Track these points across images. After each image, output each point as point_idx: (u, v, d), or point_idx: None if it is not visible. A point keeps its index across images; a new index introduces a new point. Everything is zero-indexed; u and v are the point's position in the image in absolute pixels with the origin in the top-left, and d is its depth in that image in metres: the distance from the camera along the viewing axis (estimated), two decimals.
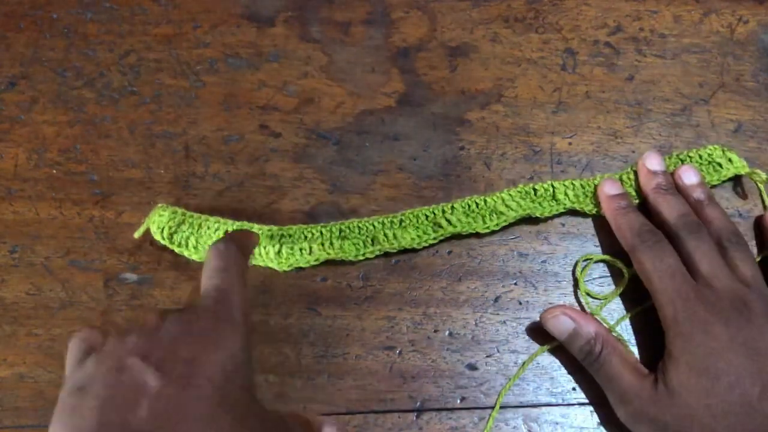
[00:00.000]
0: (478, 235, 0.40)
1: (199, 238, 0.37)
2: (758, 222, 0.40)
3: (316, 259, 0.38)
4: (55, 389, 0.36)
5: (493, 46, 0.44)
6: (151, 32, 0.43)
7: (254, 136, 0.41)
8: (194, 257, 0.38)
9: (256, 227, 0.38)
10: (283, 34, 0.43)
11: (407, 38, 0.44)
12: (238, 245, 0.32)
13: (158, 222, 0.37)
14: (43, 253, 0.38)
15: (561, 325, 0.36)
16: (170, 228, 0.37)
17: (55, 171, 0.40)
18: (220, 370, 0.26)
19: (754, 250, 0.39)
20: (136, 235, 0.38)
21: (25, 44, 0.42)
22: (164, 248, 0.38)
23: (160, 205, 0.38)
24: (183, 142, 0.41)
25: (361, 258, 0.38)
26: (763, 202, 0.41)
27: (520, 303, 0.39)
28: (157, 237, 0.37)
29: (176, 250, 0.38)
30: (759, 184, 0.40)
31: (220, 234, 0.37)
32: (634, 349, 0.38)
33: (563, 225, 0.40)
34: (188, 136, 0.41)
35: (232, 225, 0.38)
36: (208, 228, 0.38)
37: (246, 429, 0.26)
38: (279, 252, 0.38)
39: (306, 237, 0.38)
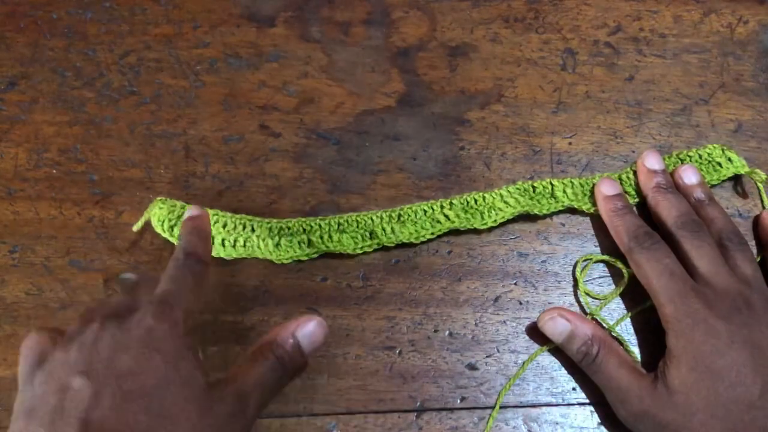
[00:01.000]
0: (478, 234, 0.40)
1: None
2: (757, 221, 0.40)
3: (315, 252, 0.38)
4: None
5: (493, 46, 0.44)
6: (151, 32, 0.43)
7: (254, 136, 0.41)
8: None
9: (255, 221, 0.38)
10: (283, 34, 0.43)
11: (407, 38, 0.44)
12: (196, 254, 0.33)
13: (158, 215, 0.38)
14: (43, 253, 0.38)
15: (557, 327, 0.36)
16: (170, 221, 0.37)
17: (55, 171, 0.40)
18: (153, 379, 0.28)
19: (754, 250, 0.39)
20: (135, 228, 0.38)
21: (25, 44, 0.42)
22: (164, 248, 0.38)
23: (159, 198, 0.38)
24: (183, 142, 0.41)
25: (359, 251, 0.38)
26: (762, 201, 0.41)
27: (520, 303, 0.39)
28: (158, 229, 0.38)
29: (176, 243, 0.38)
30: (758, 184, 0.40)
31: (219, 227, 0.38)
32: (635, 349, 0.38)
33: (563, 225, 0.40)
34: (188, 136, 0.41)
35: (231, 218, 0.38)
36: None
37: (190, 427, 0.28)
38: (278, 245, 0.38)
39: (305, 230, 0.38)
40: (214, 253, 0.38)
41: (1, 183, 0.39)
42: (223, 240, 0.38)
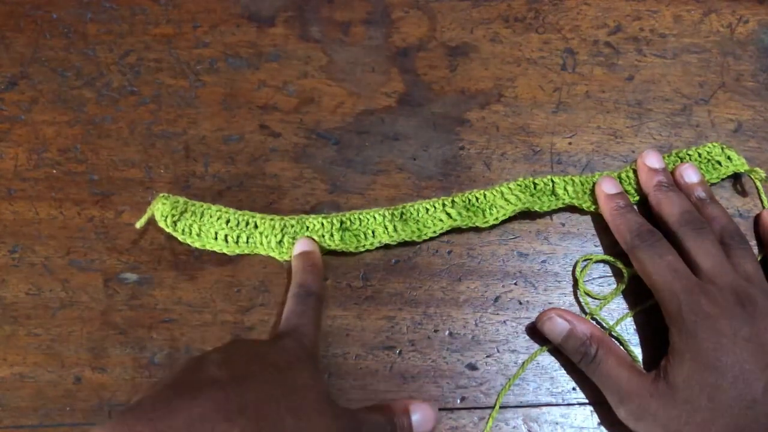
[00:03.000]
0: (478, 234, 0.40)
1: (202, 226, 0.38)
2: (758, 220, 0.40)
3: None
4: (55, 389, 0.36)
5: (493, 46, 0.44)
6: (151, 32, 0.43)
7: (254, 136, 0.41)
8: (197, 245, 0.38)
9: (257, 217, 0.38)
10: (283, 34, 0.43)
11: (407, 38, 0.44)
12: (315, 295, 0.36)
13: (162, 210, 0.38)
14: (43, 253, 0.38)
15: (556, 327, 0.36)
16: (173, 216, 0.38)
17: (55, 171, 0.40)
18: (284, 360, 0.31)
19: (755, 250, 0.39)
20: (139, 224, 0.38)
21: (25, 44, 0.42)
22: (164, 248, 0.38)
23: (162, 194, 0.38)
24: (183, 142, 0.41)
25: (361, 250, 0.38)
26: (761, 200, 0.41)
27: (520, 303, 0.39)
28: (161, 224, 0.38)
29: (179, 237, 0.38)
30: (758, 182, 0.40)
31: (222, 223, 0.38)
32: (635, 349, 0.38)
33: (563, 225, 0.40)
34: (188, 136, 0.41)
35: (233, 214, 0.38)
36: (211, 216, 0.38)
37: (318, 407, 0.30)
38: (280, 242, 0.38)
39: (307, 228, 0.38)
40: (216, 249, 0.38)
41: (1, 183, 0.39)
42: (225, 236, 0.38)
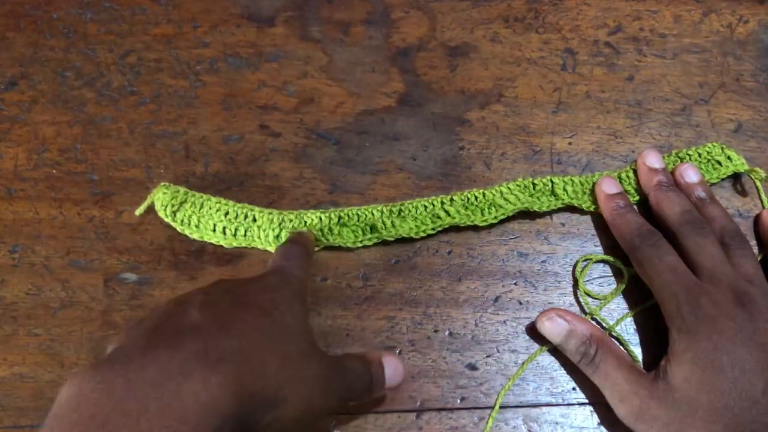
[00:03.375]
0: (478, 234, 0.40)
1: (201, 218, 0.38)
2: (758, 220, 0.40)
3: (314, 246, 0.38)
4: (55, 389, 0.36)
5: (493, 46, 0.44)
6: (151, 32, 0.43)
7: (254, 136, 0.41)
8: (195, 236, 0.38)
9: (256, 210, 0.38)
10: (283, 34, 0.43)
11: (407, 38, 0.44)
12: (301, 245, 0.36)
13: (162, 199, 0.38)
14: (43, 253, 0.38)
15: (555, 328, 0.36)
16: (173, 206, 0.38)
17: (55, 171, 0.40)
18: (270, 301, 0.30)
19: (755, 250, 0.39)
20: (138, 212, 0.38)
21: (25, 44, 0.42)
22: (164, 248, 0.38)
23: (162, 184, 0.38)
24: (183, 142, 0.41)
25: (359, 245, 0.38)
26: (761, 199, 0.41)
27: (520, 303, 0.39)
28: (161, 214, 0.38)
29: (178, 228, 0.38)
30: (757, 182, 0.40)
31: (221, 215, 0.38)
32: (635, 349, 0.38)
33: (563, 225, 0.40)
34: (188, 136, 0.41)
35: (233, 206, 0.38)
36: (210, 208, 0.38)
37: (303, 352, 0.29)
38: (278, 236, 0.38)
39: (305, 222, 0.38)
40: (213, 241, 0.38)
41: (1, 183, 0.39)
42: (224, 228, 0.38)
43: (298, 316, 0.31)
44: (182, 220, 0.38)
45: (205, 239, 0.38)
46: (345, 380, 0.31)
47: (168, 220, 0.38)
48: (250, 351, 0.27)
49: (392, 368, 0.34)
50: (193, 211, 0.38)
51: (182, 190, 0.38)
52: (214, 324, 0.27)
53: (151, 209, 0.39)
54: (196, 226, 0.38)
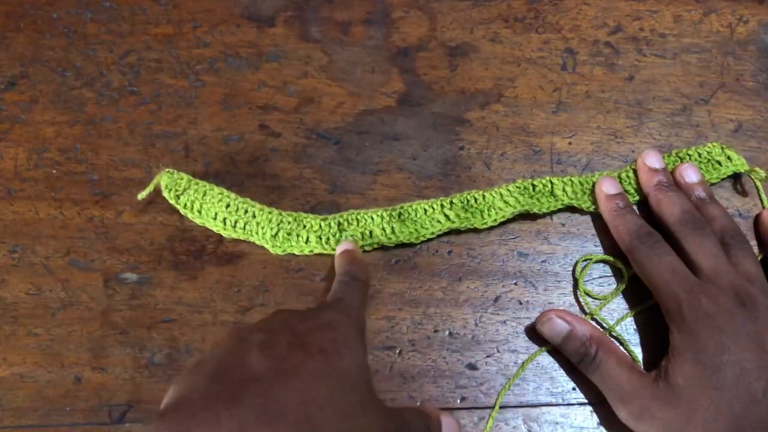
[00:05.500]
0: (478, 234, 0.40)
1: (203, 204, 0.38)
2: (758, 220, 0.40)
3: (311, 250, 0.38)
4: (55, 389, 0.36)
5: (493, 46, 0.44)
6: (151, 32, 0.43)
7: (254, 136, 0.41)
8: (197, 221, 0.38)
9: (256, 207, 0.39)
10: (283, 34, 0.43)
11: (407, 38, 0.44)
12: (358, 278, 0.36)
13: (167, 182, 0.38)
14: (43, 253, 0.38)
15: (555, 328, 0.36)
16: (177, 191, 0.38)
17: (55, 171, 0.40)
18: (330, 341, 0.29)
19: (755, 250, 0.39)
20: (141, 196, 0.38)
21: (25, 44, 0.42)
22: (164, 248, 0.38)
23: (167, 170, 0.38)
24: (183, 142, 0.41)
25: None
26: (761, 199, 0.41)
27: (520, 303, 0.39)
28: (165, 195, 0.38)
29: (182, 211, 0.38)
30: (757, 182, 0.40)
31: (222, 205, 0.38)
32: (635, 349, 0.38)
33: (563, 225, 0.40)
34: (188, 136, 0.41)
35: (234, 199, 0.38)
36: (212, 197, 0.38)
37: (362, 403, 0.28)
38: (275, 235, 0.38)
39: (305, 226, 0.38)
40: (214, 229, 0.38)
41: (1, 183, 0.39)
42: (224, 219, 0.38)
43: (358, 359, 0.30)
44: (186, 204, 0.38)
45: (207, 226, 0.38)
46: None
47: (172, 202, 0.38)
48: (310, 405, 0.26)
49: (448, 427, 0.33)
50: (196, 198, 0.38)
51: (186, 177, 0.39)
52: (274, 373, 0.27)
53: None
54: (199, 212, 0.38)
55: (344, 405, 0.27)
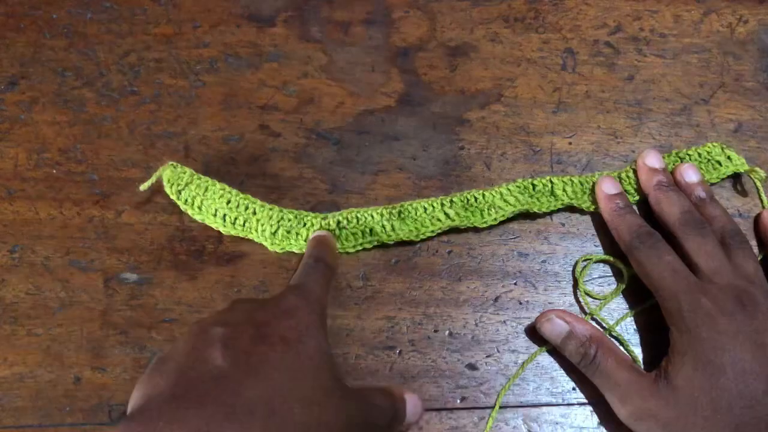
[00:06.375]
0: (478, 234, 0.40)
1: (204, 200, 0.38)
2: (758, 220, 0.40)
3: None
4: (55, 389, 0.36)
5: (493, 46, 0.44)
6: (151, 32, 0.43)
7: (254, 136, 0.41)
8: (197, 218, 0.38)
9: (257, 204, 0.39)
10: (283, 34, 0.43)
11: (407, 38, 0.44)
12: (322, 260, 0.36)
13: (170, 176, 0.38)
14: (43, 253, 0.38)
15: (555, 328, 0.36)
16: (178, 186, 0.38)
17: (55, 171, 0.40)
18: (292, 329, 0.29)
19: (755, 250, 0.39)
20: (143, 187, 0.38)
21: (25, 44, 0.42)
22: (164, 248, 0.38)
23: (171, 162, 0.38)
24: (183, 142, 0.41)
25: (358, 248, 0.38)
26: (761, 199, 0.41)
27: (520, 303, 0.39)
28: (167, 190, 0.38)
29: (182, 207, 0.38)
30: (757, 182, 0.40)
31: (223, 202, 0.38)
32: (635, 349, 0.38)
33: (563, 225, 0.40)
34: (188, 136, 0.41)
35: (235, 196, 0.38)
36: (214, 193, 0.38)
37: (326, 389, 0.28)
38: (275, 233, 0.38)
39: (304, 224, 0.38)
40: (213, 226, 0.38)
41: (1, 183, 0.39)
42: (224, 215, 0.38)
43: (320, 344, 0.30)
44: (186, 200, 0.38)
45: (207, 223, 0.38)
46: (370, 417, 0.31)
47: (173, 197, 0.38)
48: (275, 398, 0.27)
49: (412, 405, 0.33)
50: (197, 193, 0.38)
51: (189, 171, 0.39)
52: (238, 369, 0.27)
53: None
54: (199, 208, 0.38)
55: (308, 392, 0.28)
